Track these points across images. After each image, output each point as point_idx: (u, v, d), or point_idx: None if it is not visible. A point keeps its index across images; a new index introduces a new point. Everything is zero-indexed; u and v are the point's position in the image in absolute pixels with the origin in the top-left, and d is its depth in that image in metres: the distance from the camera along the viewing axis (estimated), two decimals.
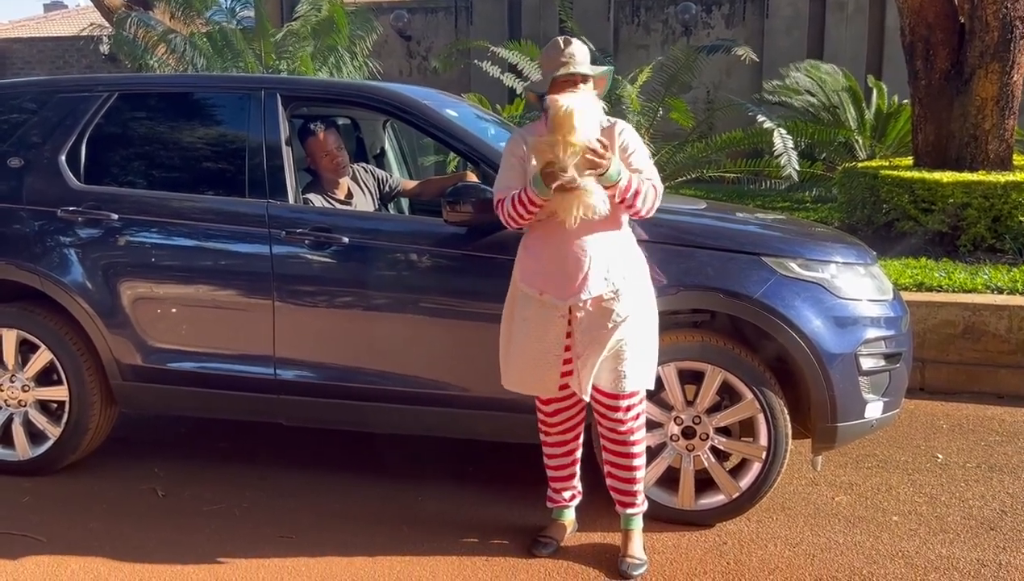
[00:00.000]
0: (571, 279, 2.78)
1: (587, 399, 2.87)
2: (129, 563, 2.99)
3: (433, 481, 3.63)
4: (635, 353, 2.83)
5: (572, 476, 3.11)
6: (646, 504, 3.04)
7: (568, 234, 2.78)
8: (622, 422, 2.89)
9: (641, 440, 2.95)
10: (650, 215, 2.87)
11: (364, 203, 3.87)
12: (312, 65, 10.15)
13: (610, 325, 2.78)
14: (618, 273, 2.80)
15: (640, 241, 3.18)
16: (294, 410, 3.48)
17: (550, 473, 3.10)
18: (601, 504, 3.21)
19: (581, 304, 2.78)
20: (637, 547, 2.98)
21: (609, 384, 2.84)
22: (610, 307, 2.79)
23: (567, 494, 3.12)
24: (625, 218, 2.90)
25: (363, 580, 2.90)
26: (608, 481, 3.03)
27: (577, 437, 3.06)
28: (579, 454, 3.10)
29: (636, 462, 2.94)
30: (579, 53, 2.87)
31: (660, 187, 2.86)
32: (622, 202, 2.78)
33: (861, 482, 3.66)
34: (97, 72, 16.17)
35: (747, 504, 3.21)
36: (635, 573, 2.91)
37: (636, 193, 2.77)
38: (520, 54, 9.17)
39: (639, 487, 2.98)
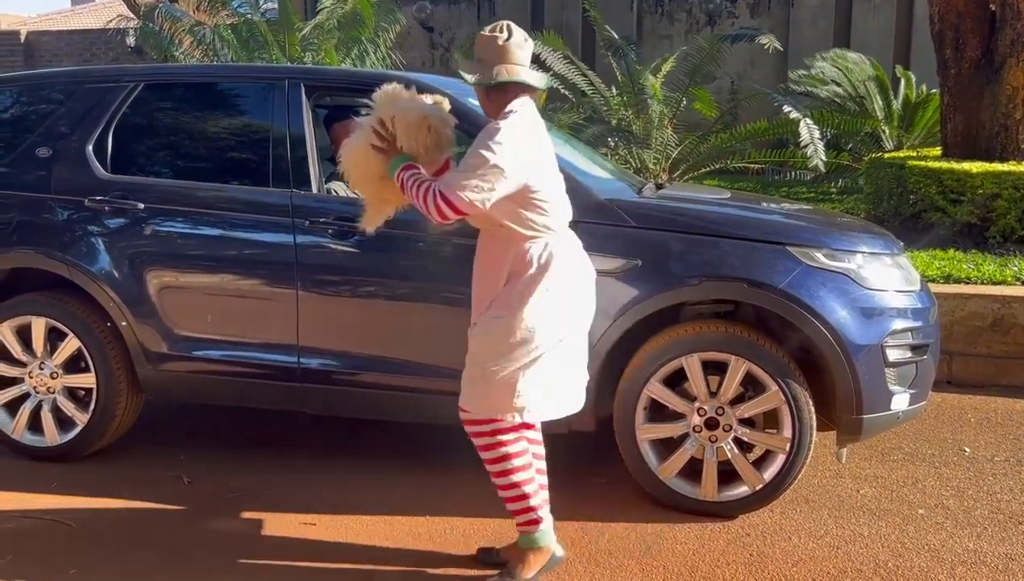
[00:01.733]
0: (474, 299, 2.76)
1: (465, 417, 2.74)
2: (155, 548, 3.03)
3: (457, 471, 3.63)
4: (470, 372, 2.69)
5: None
6: (540, 529, 2.74)
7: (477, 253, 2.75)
8: (480, 445, 2.73)
9: (496, 466, 2.70)
10: (437, 218, 2.53)
11: None
12: (336, 57, 10.19)
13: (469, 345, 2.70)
14: (484, 290, 2.68)
15: (663, 230, 3.16)
16: (317, 398, 3.51)
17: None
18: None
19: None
20: (525, 565, 2.75)
21: (462, 400, 2.74)
22: (473, 330, 2.70)
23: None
24: (515, 226, 2.58)
25: (387, 566, 2.91)
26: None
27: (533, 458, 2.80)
28: (543, 479, 2.83)
29: (507, 483, 2.70)
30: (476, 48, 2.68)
31: (461, 192, 2.45)
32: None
33: (887, 475, 3.62)
34: (123, 64, 16.33)
35: (771, 496, 3.19)
36: None
37: (406, 187, 2.57)
38: (543, 44, 9.14)
39: (519, 507, 2.73)
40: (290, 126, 3.51)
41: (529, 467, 2.73)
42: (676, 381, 3.21)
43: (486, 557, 2.92)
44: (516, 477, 2.70)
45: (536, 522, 2.75)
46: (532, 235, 2.60)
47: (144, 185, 3.63)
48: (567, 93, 9.21)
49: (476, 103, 3.51)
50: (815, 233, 3.29)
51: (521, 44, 2.62)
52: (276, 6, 10.69)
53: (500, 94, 2.61)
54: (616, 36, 9.33)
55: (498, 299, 2.63)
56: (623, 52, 9.09)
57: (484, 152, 2.46)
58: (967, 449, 3.90)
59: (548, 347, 2.62)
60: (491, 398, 2.65)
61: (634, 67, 8.94)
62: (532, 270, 2.59)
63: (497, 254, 2.64)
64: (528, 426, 2.76)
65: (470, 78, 2.61)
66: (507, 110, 2.58)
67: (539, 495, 2.75)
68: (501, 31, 2.62)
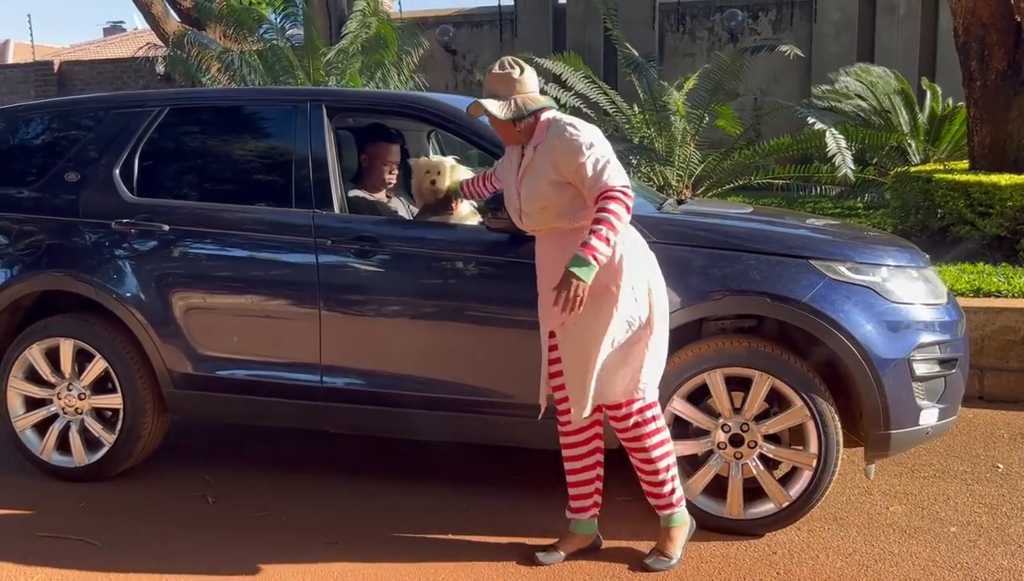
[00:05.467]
0: (545, 305, 2.92)
1: (580, 419, 2.89)
2: (180, 568, 3.04)
3: (480, 488, 3.63)
4: (620, 362, 2.80)
5: (590, 494, 3.06)
6: (681, 503, 2.98)
7: (538, 254, 2.94)
8: (625, 429, 2.88)
9: (654, 443, 2.88)
10: (630, 213, 2.74)
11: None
12: (359, 80, 10.31)
13: (581, 344, 2.80)
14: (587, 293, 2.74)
15: (684, 245, 3.15)
16: (340, 417, 3.52)
17: (569, 483, 3.07)
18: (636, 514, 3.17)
19: (555, 326, 2.88)
20: (671, 546, 2.96)
21: (606, 398, 2.84)
22: (579, 327, 2.79)
23: (583, 506, 3.07)
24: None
25: None
26: (642, 484, 3.00)
27: (592, 453, 3.03)
28: (600, 471, 3.06)
29: (658, 466, 2.89)
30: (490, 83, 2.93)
31: (617, 182, 2.71)
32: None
33: (917, 492, 3.55)
34: (150, 90, 16.61)
35: (797, 513, 3.14)
36: (656, 567, 2.92)
37: (608, 244, 2.67)
38: (565, 64, 9.19)
39: (667, 488, 2.93)
40: (312, 147, 3.54)
41: (670, 441, 2.94)
42: (699, 398, 3.18)
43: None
44: (662, 450, 2.89)
45: (681, 499, 2.96)
46: None
47: (169, 207, 3.68)
48: (589, 112, 9.23)
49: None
50: (838, 246, 3.26)
51: (532, 75, 2.94)
52: (302, 32, 10.86)
53: (530, 121, 2.88)
54: (637, 54, 9.35)
55: (594, 290, 2.72)
56: (644, 70, 9.11)
57: (597, 152, 2.75)
58: (1000, 465, 3.82)
59: (659, 322, 2.86)
60: (632, 380, 2.82)
61: (656, 85, 8.94)
62: (619, 257, 2.77)
63: (569, 250, 2.73)
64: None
65: (503, 114, 2.85)
66: (561, 120, 2.84)
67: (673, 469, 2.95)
68: (512, 67, 2.91)
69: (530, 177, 2.85)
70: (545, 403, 3.01)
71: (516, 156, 2.97)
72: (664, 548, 2.97)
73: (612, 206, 2.69)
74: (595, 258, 2.66)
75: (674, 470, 2.94)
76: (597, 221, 2.69)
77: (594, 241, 2.66)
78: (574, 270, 2.65)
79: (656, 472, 2.91)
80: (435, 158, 3.62)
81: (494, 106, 2.84)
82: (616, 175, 2.74)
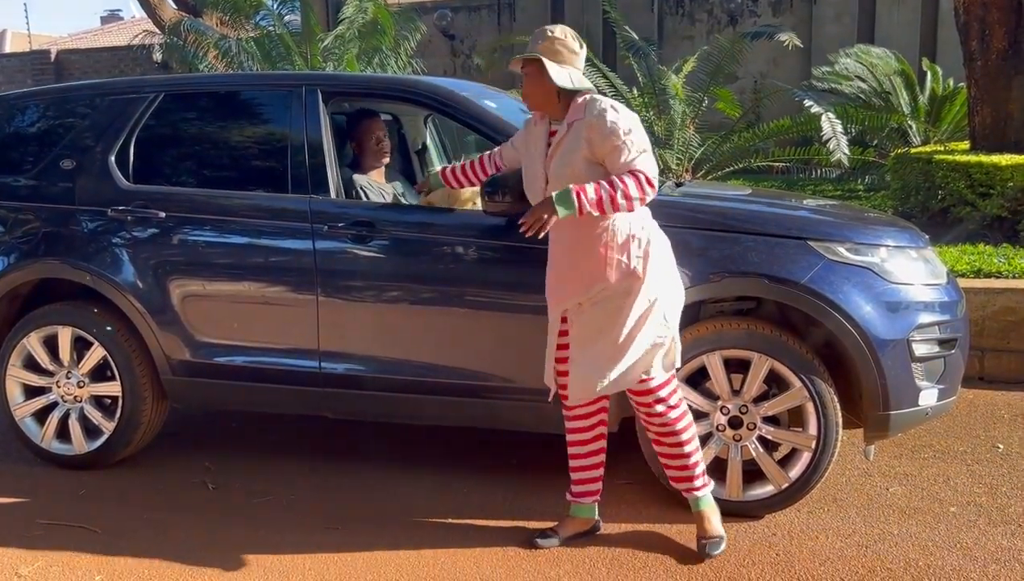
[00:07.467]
0: (560, 283, 2.88)
1: (575, 403, 2.91)
2: (180, 554, 3.04)
3: (479, 473, 3.63)
4: (643, 345, 2.78)
5: (594, 479, 3.06)
6: (711, 483, 3.00)
7: (557, 235, 2.85)
8: (653, 413, 2.86)
9: (683, 424, 2.89)
10: (643, 204, 2.74)
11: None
12: (356, 65, 10.27)
13: (600, 327, 2.78)
14: (605, 272, 2.75)
15: (683, 227, 3.13)
16: (339, 403, 3.51)
17: (571, 468, 3.07)
18: (650, 496, 3.17)
19: (571, 308, 2.85)
20: (713, 525, 2.96)
21: (626, 383, 2.82)
22: (599, 310, 2.78)
23: (586, 490, 3.07)
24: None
25: (410, 571, 2.90)
26: (666, 472, 3.00)
27: (597, 439, 3.04)
28: (603, 456, 3.07)
29: (686, 448, 2.90)
30: (532, 39, 2.88)
31: (647, 169, 2.71)
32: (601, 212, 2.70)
33: (917, 472, 3.55)
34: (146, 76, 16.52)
35: (797, 495, 3.14)
36: (714, 552, 2.90)
37: (599, 202, 2.66)
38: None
39: (697, 470, 2.94)
40: (307, 132, 3.52)
41: (690, 414, 2.95)
42: (698, 380, 3.17)
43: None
44: (690, 432, 2.91)
45: (708, 482, 2.96)
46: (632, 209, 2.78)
47: (165, 194, 3.67)
48: None
49: (492, 104, 3.54)
50: (837, 227, 3.24)
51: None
52: (299, 18, 10.81)
53: (574, 94, 2.84)
54: (636, 37, 9.29)
55: (613, 272, 2.74)
56: (644, 53, 9.06)
57: (634, 138, 2.72)
58: (1000, 446, 3.81)
59: (680, 303, 2.89)
60: (661, 358, 2.83)
61: (655, 68, 8.90)
62: (643, 238, 2.79)
63: (594, 233, 2.75)
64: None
65: (572, 85, 2.80)
66: (601, 100, 2.81)
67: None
68: (576, 40, 2.88)
69: (562, 153, 2.81)
70: (554, 387, 2.98)
71: (542, 132, 2.92)
72: (709, 531, 2.94)
73: (627, 180, 2.68)
74: (579, 200, 2.64)
75: (699, 446, 2.95)
76: (608, 182, 2.68)
77: (590, 189, 2.66)
78: (554, 198, 2.66)
79: (687, 455, 2.91)
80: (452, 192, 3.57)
81: (558, 73, 2.78)
82: (647, 163, 2.72)
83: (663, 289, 2.81)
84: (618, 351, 2.77)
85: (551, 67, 2.77)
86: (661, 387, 2.84)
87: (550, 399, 3.01)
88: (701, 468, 2.96)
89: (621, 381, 2.81)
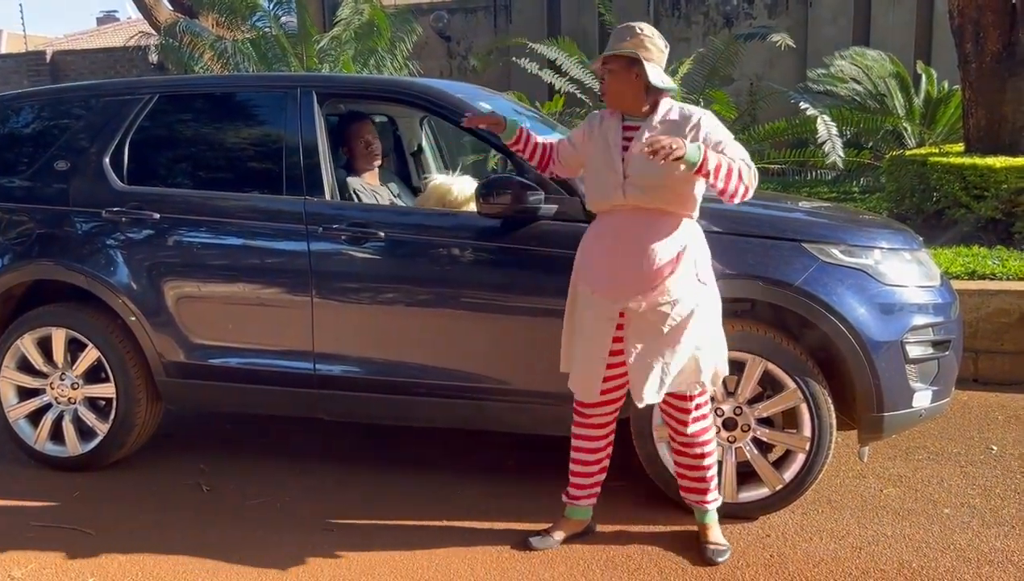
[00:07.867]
0: (624, 280, 2.75)
1: (641, 405, 2.79)
2: (174, 556, 3.04)
3: (473, 474, 3.63)
4: (701, 353, 2.77)
5: (594, 484, 3.05)
6: (721, 497, 3.01)
7: (622, 231, 2.76)
8: (688, 422, 2.86)
9: (708, 437, 2.91)
10: (745, 197, 2.69)
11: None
12: (352, 67, 10.26)
13: (666, 330, 2.73)
14: (676, 274, 2.72)
15: None
16: (333, 405, 3.51)
17: (573, 471, 3.05)
18: (641, 497, 3.17)
19: (634, 307, 2.74)
20: (716, 534, 2.98)
21: (677, 386, 2.79)
22: (666, 311, 2.73)
23: (584, 494, 3.05)
24: (694, 211, 2.80)
25: (404, 571, 2.90)
26: (680, 482, 3.00)
27: (608, 443, 3.03)
28: (607, 463, 3.05)
29: (707, 461, 2.92)
30: (619, 36, 2.84)
31: (753, 166, 2.71)
32: (714, 186, 2.65)
33: (911, 474, 3.56)
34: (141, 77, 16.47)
35: (791, 496, 3.15)
36: (719, 559, 2.89)
37: (719, 169, 2.58)
38: (559, 50, 9.14)
39: (712, 483, 2.95)
40: (302, 133, 3.52)
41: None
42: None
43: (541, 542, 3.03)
44: (713, 445, 2.93)
45: (719, 496, 3.00)
46: (695, 214, 2.81)
47: (160, 196, 3.66)
48: (583, 98, 9.20)
49: (487, 106, 3.53)
50: (831, 229, 3.25)
51: None
52: (295, 19, 10.81)
53: (660, 93, 2.81)
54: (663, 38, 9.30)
55: (683, 276, 2.73)
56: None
57: (737, 144, 2.73)
58: (994, 447, 3.82)
59: (716, 315, 2.87)
60: (722, 363, 2.85)
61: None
62: (702, 245, 2.83)
63: (666, 233, 2.74)
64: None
65: (663, 84, 2.77)
66: (682, 107, 2.83)
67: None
68: (661, 38, 2.85)
69: None
70: (596, 386, 2.87)
71: (614, 126, 2.83)
72: (712, 538, 2.96)
73: (744, 167, 2.66)
74: (704, 157, 2.55)
75: (717, 459, 2.99)
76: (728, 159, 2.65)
77: (713, 154, 2.60)
78: (687, 145, 2.54)
79: (705, 467, 2.92)
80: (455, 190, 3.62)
81: (654, 71, 2.74)
82: (750, 164, 2.71)
83: (718, 299, 2.84)
84: (683, 356, 2.75)
85: (652, 71, 2.73)
86: (701, 399, 2.87)
87: (585, 398, 2.92)
88: (716, 482, 2.97)
89: (681, 385, 2.79)
